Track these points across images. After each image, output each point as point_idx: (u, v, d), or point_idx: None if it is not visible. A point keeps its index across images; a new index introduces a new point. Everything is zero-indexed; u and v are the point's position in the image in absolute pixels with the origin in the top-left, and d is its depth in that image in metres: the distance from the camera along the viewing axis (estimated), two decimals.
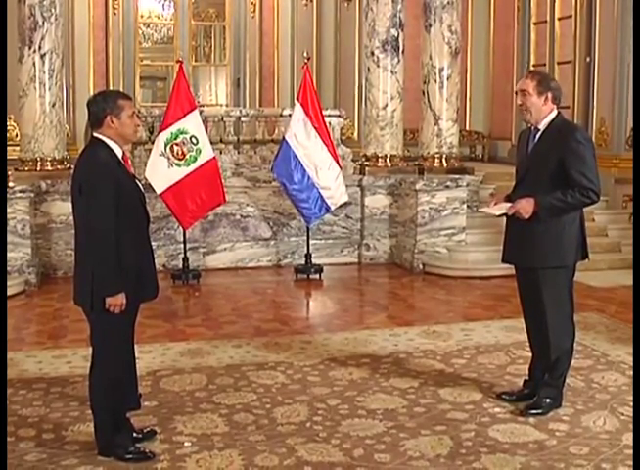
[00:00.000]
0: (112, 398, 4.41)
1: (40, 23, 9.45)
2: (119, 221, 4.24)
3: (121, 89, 14.17)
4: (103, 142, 4.30)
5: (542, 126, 5.06)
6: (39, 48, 9.47)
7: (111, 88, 13.66)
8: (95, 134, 4.33)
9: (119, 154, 4.34)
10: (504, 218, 5.28)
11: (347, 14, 14.41)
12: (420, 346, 6.67)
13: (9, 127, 12.53)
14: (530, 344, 5.40)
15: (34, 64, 9.49)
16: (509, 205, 5.09)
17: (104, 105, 4.30)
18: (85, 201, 4.22)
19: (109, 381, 4.40)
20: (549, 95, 5.01)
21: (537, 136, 5.09)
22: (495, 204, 5.27)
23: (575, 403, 5.30)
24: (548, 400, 5.15)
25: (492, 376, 5.88)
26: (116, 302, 4.26)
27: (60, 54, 9.69)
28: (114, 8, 14.52)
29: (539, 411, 5.09)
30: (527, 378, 5.42)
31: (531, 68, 13.94)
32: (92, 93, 13.14)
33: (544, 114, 5.03)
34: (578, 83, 12.46)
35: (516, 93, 5.17)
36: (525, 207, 4.99)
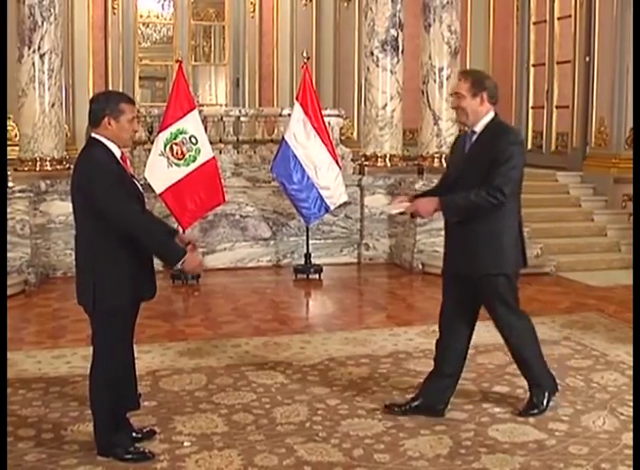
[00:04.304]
0: (111, 397, 4.41)
1: (40, 23, 9.46)
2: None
3: (121, 89, 14.15)
4: (100, 142, 4.29)
5: (478, 129, 4.88)
6: (39, 48, 9.48)
7: (110, 88, 13.67)
8: (93, 134, 4.32)
9: (117, 154, 4.33)
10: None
11: (347, 14, 14.41)
12: (419, 345, 6.67)
13: (8, 127, 12.51)
14: (437, 355, 5.21)
15: (34, 64, 9.49)
16: (409, 204, 4.95)
17: (105, 105, 4.29)
18: (97, 202, 4.19)
19: (109, 381, 4.40)
20: (484, 95, 4.84)
21: (474, 139, 4.90)
22: (400, 203, 5.07)
23: (575, 403, 5.30)
24: (542, 397, 5.10)
25: (492, 376, 5.88)
26: (193, 263, 4.33)
27: (59, 54, 9.70)
28: (113, 8, 14.50)
29: (537, 411, 5.08)
30: (419, 391, 5.22)
31: (531, 67, 13.96)
32: (91, 93, 13.30)
33: (481, 115, 4.86)
34: (578, 83, 12.46)
35: (451, 95, 5.02)
36: (426, 206, 4.88)
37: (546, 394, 5.13)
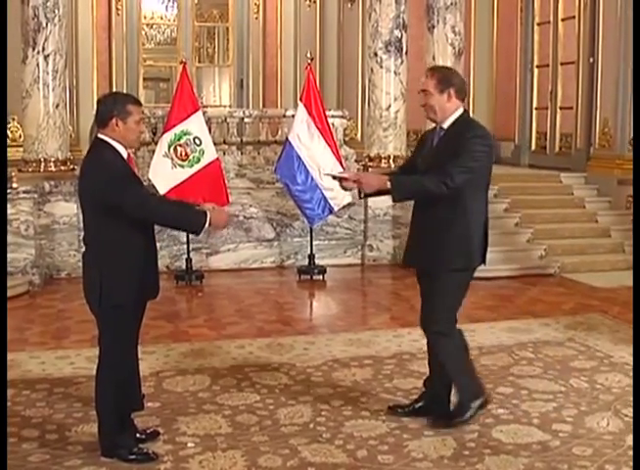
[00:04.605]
0: (118, 398, 4.42)
1: (44, 24, 9.46)
2: (127, 221, 4.26)
3: (125, 90, 14.18)
4: (108, 143, 4.30)
5: (446, 125, 4.81)
6: (43, 49, 9.48)
7: (114, 89, 13.69)
8: (99, 135, 4.33)
9: (124, 155, 4.35)
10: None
11: (350, 15, 14.41)
12: (423, 347, 6.55)
13: (13, 128, 12.53)
14: (429, 358, 5.19)
15: (38, 65, 9.50)
16: (354, 173, 4.89)
17: (112, 107, 4.30)
18: (113, 200, 4.20)
19: (117, 381, 4.41)
20: (452, 91, 4.76)
21: (441, 135, 4.84)
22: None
23: (579, 405, 5.30)
24: (467, 402, 4.94)
25: (495, 377, 5.88)
26: (220, 218, 4.39)
27: (63, 55, 9.70)
28: (117, 9, 14.53)
29: (463, 418, 4.92)
30: (424, 390, 5.21)
31: (535, 68, 13.95)
32: (95, 94, 13.33)
33: (449, 112, 4.78)
34: (582, 84, 12.45)
35: (419, 93, 4.93)
36: (371, 180, 4.84)
37: (466, 402, 4.95)
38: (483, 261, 4.96)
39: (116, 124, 4.28)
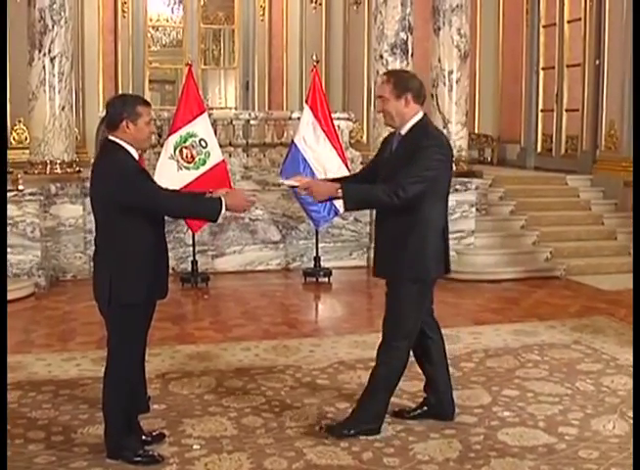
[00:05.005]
0: (126, 400, 4.42)
1: (50, 26, 9.48)
2: (138, 220, 4.28)
3: (130, 92, 14.20)
4: (118, 144, 4.32)
5: (404, 131, 4.70)
6: (49, 51, 9.51)
7: (120, 91, 13.72)
8: (110, 137, 4.34)
9: (135, 156, 4.38)
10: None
11: (356, 17, 14.40)
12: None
13: (19, 130, 12.56)
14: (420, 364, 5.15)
15: (44, 67, 9.52)
16: (306, 180, 4.79)
17: (122, 109, 4.31)
18: (130, 199, 4.23)
19: (125, 382, 4.41)
20: (409, 96, 4.63)
21: (399, 141, 4.74)
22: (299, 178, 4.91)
23: (585, 407, 5.29)
24: (353, 423, 4.82)
25: (501, 379, 5.87)
26: (237, 199, 4.45)
27: (69, 57, 9.72)
28: (123, 11, 14.55)
29: (341, 433, 4.79)
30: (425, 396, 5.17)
31: (541, 70, 13.94)
32: (101, 96, 13.35)
33: (407, 117, 4.66)
34: (588, 86, 12.44)
35: (376, 98, 4.83)
36: (321, 189, 4.70)
37: (362, 426, 4.82)
38: (447, 271, 4.88)
39: (127, 126, 4.29)
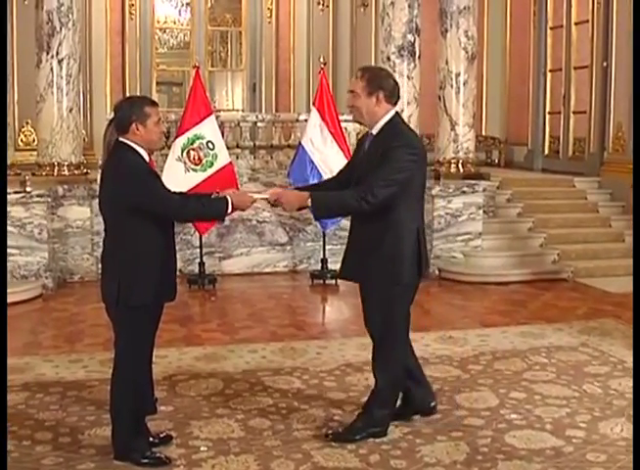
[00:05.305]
0: (133, 401, 4.43)
1: (58, 28, 9.50)
2: (147, 222, 4.29)
3: (138, 94, 14.21)
4: (129, 146, 4.33)
5: (375, 131, 4.62)
6: (57, 53, 9.52)
7: (128, 93, 13.75)
8: (121, 139, 4.35)
9: (146, 158, 4.39)
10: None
11: (363, 19, 14.41)
12: (436, 351, 6.66)
13: (27, 132, 12.59)
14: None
15: (52, 69, 9.53)
16: (279, 191, 4.72)
17: (130, 111, 4.32)
18: (140, 200, 4.24)
19: (132, 384, 4.42)
20: (380, 95, 4.55)
21: (371, 141, 4.66)
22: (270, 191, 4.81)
23: (593, 410, 5.28)
24: (359, 428, 4.78)
25: (509, 382, 5.86)
26: (240, 199, 4.47)
27: (77, 59, 9.73)
28: (130, 13, 14.58)
29: (348, 438, 4.74)
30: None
31: (548, 72, 13.92)
32: (109, 98, 13.37)
33: (377, 116, 4.59)
34: (595, 88, 12.42)
35: (347, 93, 4.73)
36: (291, 199, 4.59)
37: (369, 429, 4.79)
38: (421, 274, 4.76)
39: (137, 129, 4.30)
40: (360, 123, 4.81)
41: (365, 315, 4.88)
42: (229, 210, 4.42)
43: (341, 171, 5.10)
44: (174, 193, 4.51)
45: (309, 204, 4.54)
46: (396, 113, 4.68)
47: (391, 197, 4.47)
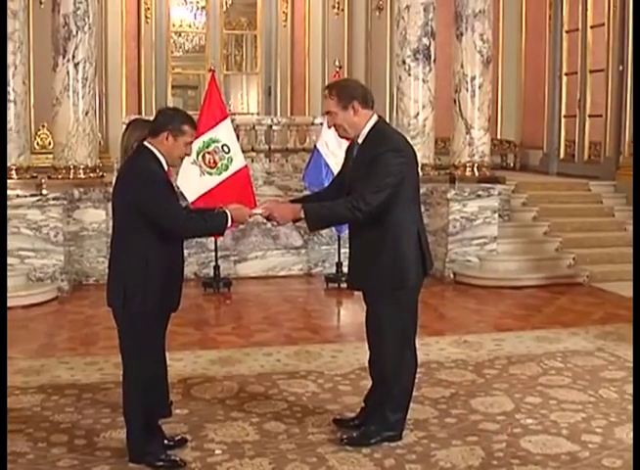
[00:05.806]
0: (145, 400, 4.43)
1: (74, 32, 9.54)
2: (156, 230, 4.30)
3: (153, 97, 14.35)
4: (152, 152, 4.34)
5: (361, 140, 4.61)
6: (73, 57, 9.56)
7: (143, 96, 13.84)
8: (146, 142, 4.36)
9: (165, 167, 4.40)
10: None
11: (378, 22, 14.41)
12: (451, 355, 6.64)
13: (43, 135, 12.65)
14: (370, 370, 4.97)
15: (68, 73, 9.57)
16: (268, 206, 4.69)
17: (170, 120, 4.34)
18: (150, 207, 4.25)
19: (141, 386, 4.42)
20: (355, 104, 4.53)
21: (358, 149, 4.65)
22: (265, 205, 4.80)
23: (608, 415, 5.25)
24: (374, 431, 4.76)
25: (524, 386, 5.84)
26: (238, 213, 4.52)
27: (93, 63, 9.77)
28: (146, 17, 14.63)
29: (362, 443, 4.72)
30: (363, 405, 5.04)
31: (563, 76, 13.87)
32: (125, 102, 13.43)
33: (360, 126, 4.58)
34: (611, 92, 12.37)
35: (324, 115, 4.69)
36: (284, 212, 4.61)
37: (383, 433, 4.77)
38: (425, 273, 4.75)
39: (167, 138, 4.31)
40: (346, 139, 4.80)
41: (369, 322, 4.87)
42: (229, 223, 4.46)
43: (333, 181, 5.12)
44: (183, 209, 4.53)
45: (302, 216, 4.55)
46: (379, 117, 4.67)
47: (385, 202, 4.47)
